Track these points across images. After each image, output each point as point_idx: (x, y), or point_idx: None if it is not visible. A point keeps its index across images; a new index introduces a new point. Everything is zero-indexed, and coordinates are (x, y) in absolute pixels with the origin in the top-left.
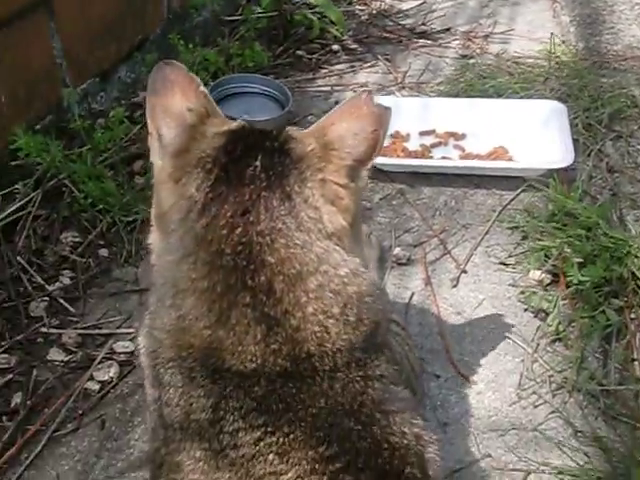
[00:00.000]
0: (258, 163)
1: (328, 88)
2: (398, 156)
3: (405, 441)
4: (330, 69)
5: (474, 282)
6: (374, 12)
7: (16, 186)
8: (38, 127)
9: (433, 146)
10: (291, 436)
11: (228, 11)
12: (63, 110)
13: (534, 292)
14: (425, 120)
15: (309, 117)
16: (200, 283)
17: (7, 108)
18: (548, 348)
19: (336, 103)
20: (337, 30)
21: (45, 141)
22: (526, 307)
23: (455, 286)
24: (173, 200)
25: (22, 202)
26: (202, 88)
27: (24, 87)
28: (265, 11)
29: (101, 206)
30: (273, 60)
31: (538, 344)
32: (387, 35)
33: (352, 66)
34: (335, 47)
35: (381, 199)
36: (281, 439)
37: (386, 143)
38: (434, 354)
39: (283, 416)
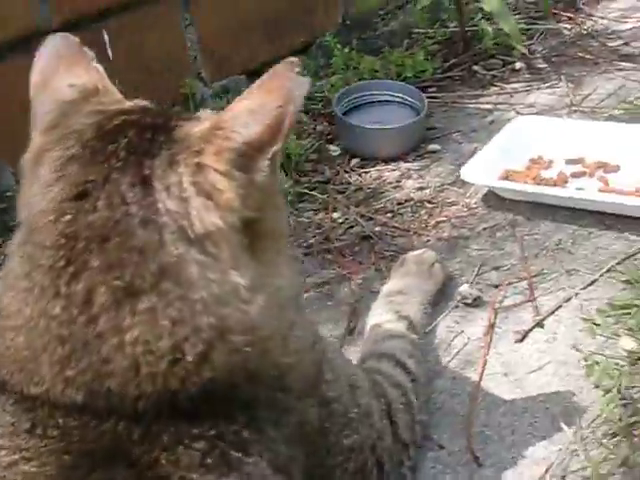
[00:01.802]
0: (125, 140)
1: (490, 106)
2: (525, 183)
3: None
4: (503, 87)
5: (546, 340)
6: (583, 32)
7: None
8: None
9: (574, 176)
10: (45, 468)
11: (423, 24)
12: (192, 103)
13: (616, 367)
14: (576, 146)
15: (454, 134)
16: (21, 282)
17: (126, 95)
18: (602, 441)
19: (491, 123)
20: (516, 44)
21: None
22: (597, 384)
23: (520, 341)
24: (29, 182)
25: None
26: (95, 64)
27: (147, 75)
28: (444, 21)
29: None
30: (441, 72)
31: (587, 436)
32: (583, 55)
33: (529, 86)
34: (518, 65)
35: (485, 229)
36: (33, 469)
37: (522, 168)
38: (450, 418)
39: (49, 447)
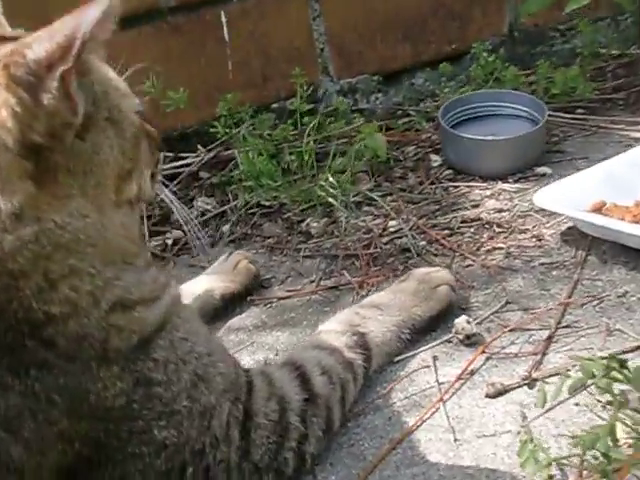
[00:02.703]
0: None
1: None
2: (622, 219)
3: None
4: None
5: (525, 404)
6: None
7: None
8: (275, 105)
9: None
10: None
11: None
12: (314, 96)
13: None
14: None
15: (579, 160)
16: None
17: (236, 76)
18: None
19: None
20: None
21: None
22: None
23: (492, 396)
24: None
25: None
26: None
27: (266, 62)
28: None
29: None
30: (601, 94)
31: None
32: None
33: None
34: None
35: (542, 264)
36: None
37: (626, 203)
38: (352, 461)
39: None
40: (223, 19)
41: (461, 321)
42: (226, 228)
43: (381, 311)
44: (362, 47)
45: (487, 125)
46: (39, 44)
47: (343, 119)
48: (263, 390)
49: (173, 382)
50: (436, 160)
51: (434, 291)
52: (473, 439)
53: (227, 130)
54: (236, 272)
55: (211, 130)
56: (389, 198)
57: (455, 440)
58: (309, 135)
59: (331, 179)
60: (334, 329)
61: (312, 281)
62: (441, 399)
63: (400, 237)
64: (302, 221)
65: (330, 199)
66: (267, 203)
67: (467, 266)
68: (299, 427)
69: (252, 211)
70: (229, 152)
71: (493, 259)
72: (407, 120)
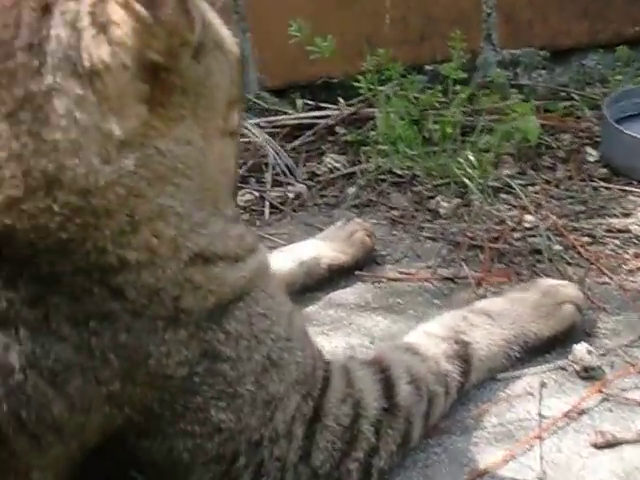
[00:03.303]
0: None
1: None
2: None
3: None
4: None
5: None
6: None
7: None
8: (428, 67)
9: None
10: None
11: None
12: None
13: None
14: None
15: None
16: None
17: (391, 30)
18: None
19: None
20: None
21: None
22: None
23: (600, 447)
24: None
25: None
26: None
27: (427, 21)
28: None
29: None
30: None
31: None
32: None
33: None
34: None
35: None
36: None
37: None
38: None
39: None
40: None
41: (581, 349)
42: (351, 191)
43: (492, 320)
44: (533, 17)
45: None
46: None
47: (498, 93)
48: (339, 390)
49: (242, 361)
50: (592, 155)
51: (557, 308)
52: None
53: (371, 87)
54: (350, 242)
55: (354, 84)
56: (530, 189)
57: None
58: (458, 105)
59: (472, 157)
60: (435, 333)
61: (429, 267)
62: (539, 436)
63: (534, 236)
64: (432, 197)
65: (466, 179)
66: (399, 172)
67: (602, 284)
68: (370, 438)
69: (382, 177)
70: (370, 110)
71: (634, 281)
72: (568, 104)
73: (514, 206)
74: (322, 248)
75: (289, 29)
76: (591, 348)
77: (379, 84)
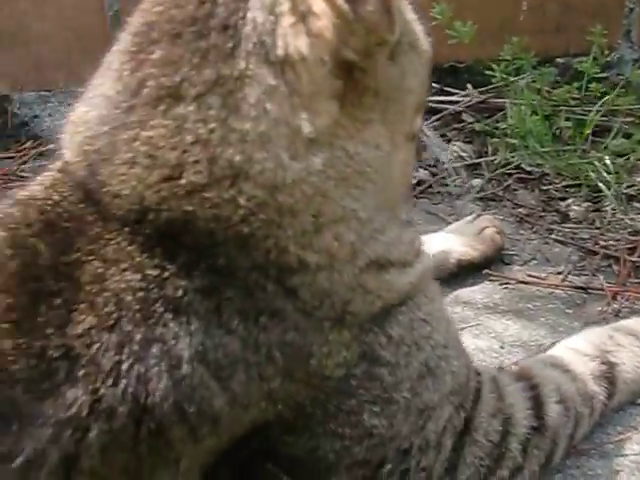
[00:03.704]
0: None
1: None
2: None
3: None
4: None
5: None
6: None
7: None
8: (560, 60)
9: None
10: None
11: None
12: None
13: None
14: None
15: None
16: (106, 61)
17: (528, 18)
18: None
19: None
20: None
21: None
22: None
23: None
24: None
25: None
26: None
27: (565, 10)
28: None
29: None
30: None
31: None
32: None
33: None
34: None
35: None
36: None
37: None
38: None
39: None
40: None
41: None
42: (476, 182)
43: (639, 342)
44: None
45: None
46: None
47: (635, 94)
48: (490, 404)
49: (400, 367)
50: None
51: None
52: None
53: (504, 76)
54: (480, 239)
55: (486, 72)
56: None
57: None
58: (593, 104)
59: (608, 161)
60: (583, 350)
61: (559, 272)
62: None
63: None
64: (562, 199)
65: (600, 184)
66: (528, 168)
67: None
68: (517, 457)
69: (509, 171)
70: (500, 100)
71: None
72: None
73: None
74: (451, 242)
75: (432, 11)
76: None
77: (513, 74)
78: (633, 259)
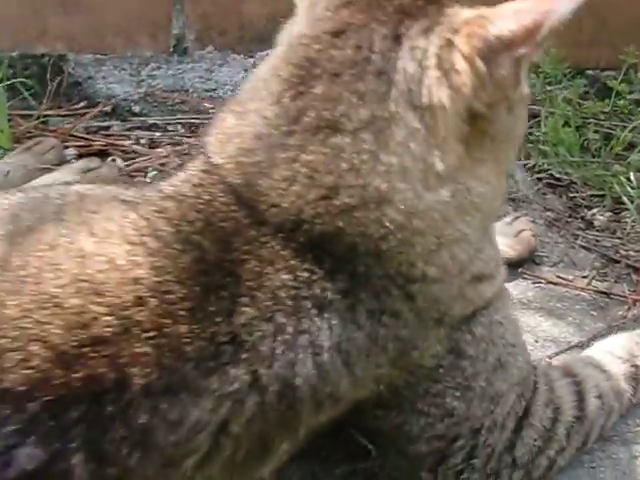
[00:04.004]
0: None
1: None
2: None
3: None
4: None
5: None
6: None
7: None
8: (589, 72)
9: None
10: None
11: None
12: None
13: None
14: None
15: None
16: (259, 82)
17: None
18: None
19: None
20: None
21: None
22: None
23: None
24: (299, 16)
25: None
26: None
27: (595, 23)
28: None
29: None
30: None
31: None
32: None
33: None
34: None
35: None
36: None
37: None
38: None
39: None
40: None
41: None
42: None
43: None
44: None
45: None
46: (504, 22)
47: None
48: (544, 395)
49: (479, 360)
50: None
51: None
52: None
53: (545, 86)
54: (518, 240)
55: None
56: None
57: None
58: (620, 119)
59: (633, 177)
60: (616, 353)
61: (584, 276)
62: None
63: None
64: (588, 207)
65: (624, 197)
66: (557, 175)
67: None
68: (562, 440)
69: (539, 176)
70: (535, 108)
71: None
72: None
73: None
74: None
75: None
76: None
77: (548, 84)
78: None
